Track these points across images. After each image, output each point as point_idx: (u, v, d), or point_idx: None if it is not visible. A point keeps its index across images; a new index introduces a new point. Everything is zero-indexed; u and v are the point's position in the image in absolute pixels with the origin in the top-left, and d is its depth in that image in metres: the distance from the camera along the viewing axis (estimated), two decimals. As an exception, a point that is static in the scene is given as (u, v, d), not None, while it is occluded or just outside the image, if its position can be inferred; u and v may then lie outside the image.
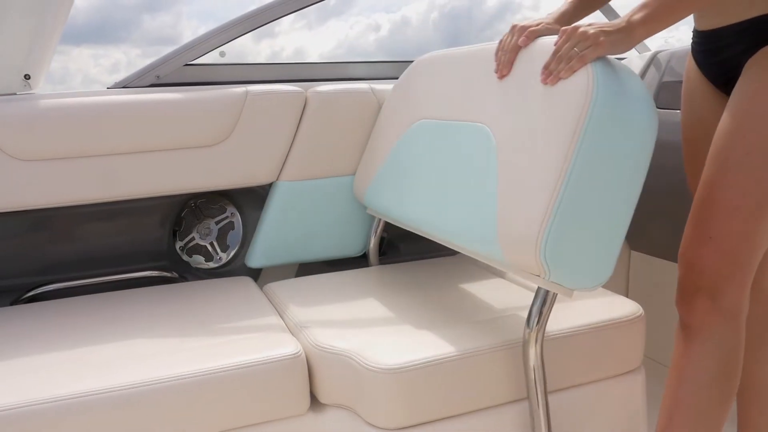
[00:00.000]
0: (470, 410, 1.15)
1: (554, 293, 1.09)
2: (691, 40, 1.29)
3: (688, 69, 1.32)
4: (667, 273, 1.91)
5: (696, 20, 1.25)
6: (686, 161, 1.34)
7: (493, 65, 1.21)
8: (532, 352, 1.10)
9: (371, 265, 1.73)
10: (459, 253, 1.77)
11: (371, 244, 1.75)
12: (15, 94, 1.50)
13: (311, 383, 1.20)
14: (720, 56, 1.20)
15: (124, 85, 1.62)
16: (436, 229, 1.31)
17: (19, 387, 1.06)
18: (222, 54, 1.70)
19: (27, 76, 1.50)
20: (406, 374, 1.08)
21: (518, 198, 1.06)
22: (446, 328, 1.22)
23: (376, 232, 1.74)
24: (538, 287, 1.09)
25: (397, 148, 1.53)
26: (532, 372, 1.10)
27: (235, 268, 1.78)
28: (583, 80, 1.01)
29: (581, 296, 1.34)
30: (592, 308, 1.28)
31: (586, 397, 1.24)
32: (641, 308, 1.29)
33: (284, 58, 2.01)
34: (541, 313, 1.09)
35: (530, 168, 1.05)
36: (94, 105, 1.51)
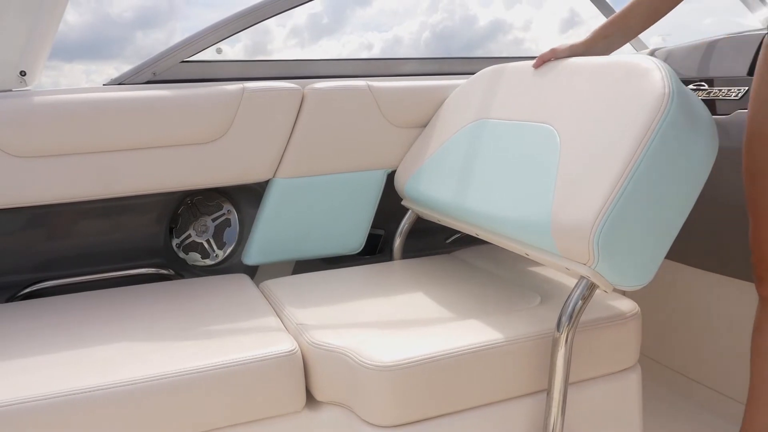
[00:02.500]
0: (467, 407, 1.15)
1: (594, 286, 1.11)
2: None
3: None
4: (662, 271, 1.91)
5: None
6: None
7: (561, 73, 1.30)
8: (564, 344, 1.11)
9: (395, 260, 1.76)
10: (455, 251, 1.77)
11: (397, 243, 1.77)
12: (11, 90, 1.50)
13: (307, 381, 1.20)
14: None
15: (120, 81, 1.62)
16: (481, 217, 1.34)
17: (17, 384, 1.06)
18: (218, 51, 1.70)
19: (23, 73, 1.50)
20: (402, 371, 1.08)
21: (577, 190, 1.10)
22: (443, 326, 1.22)
23: (403, 229, 1.76)
24: (581, 277, 1.12)
25: (449, 143, 1.59)
26: (561, 362, 1.12)
27: (232, 266, 1.77)
28: (658, 90, 1.07)
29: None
30: (588, 305, 1.29)
31: (581, 395, 1.24)
32: (637, 306, 1.30)
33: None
34: (578, 304, 1.11)
35: (593, 165, 1.10)
36: (90, 101, 1.50)
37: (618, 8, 1.98)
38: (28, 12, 1.45)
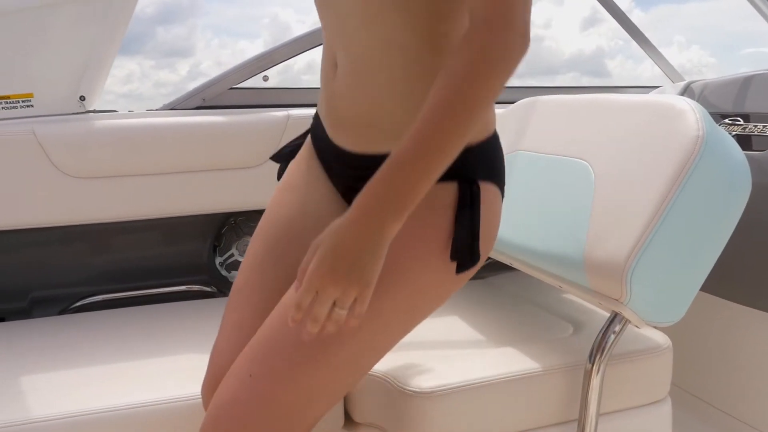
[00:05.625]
0: None
1: (626, 321, 1.14)
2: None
3: None
4: (695, 302, 1.92)
5: None
6: None
7: (596, 109, 1.31)
8: (596, 376, 1.15)
9: None
10: (488, 277, 1.81)
11: None
12: (70, 114, 1.59)
13: (346, 402, 1.24)
14: None
15: (172, 107, 1.69)
16: (514, 248, 1.38)
17: (68, 398, 1.13)
18: (265, 78, 1.77)
19: (82, 98, 1.58)
20: (439, 398, 1.12)
21: (611, 227, 1.13)
22: (478, 352, 1.26)
23: None
24: (613, 312, 1.15)
25: None
26: (593, 394, 1.15)
27: None
28: (692, 132, 1.09)
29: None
30: (620, 336, 1.31)
31: (612, 426, 1.26)
32: (669, 339, 1.32)
33: (296, 71, 2.06)
34: (610, 338, 1.15)
35: (627, 203, 1.13)
36: (144, 126, 1.58)
37: (632, 9, 1.98)
38: (88, 40, 1.54)
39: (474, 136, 0.88)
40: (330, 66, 0.93)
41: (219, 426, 0.83)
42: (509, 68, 0.73)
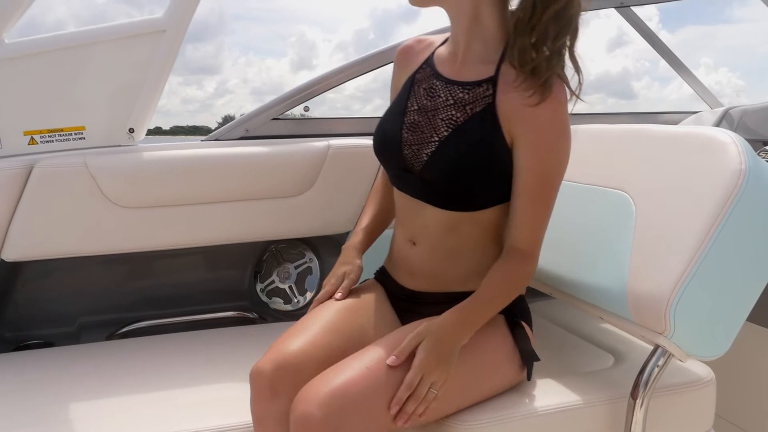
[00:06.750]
0: None
1: (670, 355, 1.14)
2: None
3: None
4: (740, 332, 1.89)
5: None
6: None
7: (635, 140, 1.31)
8: (639, 410, 1.15)
9: None
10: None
11: None
12: (119, 146, 1.64)
13: None
14: None
15: (216, 138, 1.74)
16: (554, 278, 1.39)
17: (114, 425, 1.17)
18: (306, 109, 1.81)
19: (131, 130, 1.64)
20: (479, 430, 1.12)
21: (653, 260, 1.14)
22: (521, 384, 1.26)
23: None
24: (656, 345, 1.15)
25: None
26: (636, 428, 1.15)
27: None
28: (734, 165, 1.09)
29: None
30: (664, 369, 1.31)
31: None
32: (711, 371, 1.31)
33: (336, 100, 2.10)
34: (654, 371, 1.14)
35: (669, 236, 1.13)
36: (189, 157, 1.63)
37: (659, 31, 1.99)
38: (138, 75, 1.60)
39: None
40: (406, 241, 1.23)
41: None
42: (525, 285, 1.21)
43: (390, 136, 1.20)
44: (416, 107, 1.19)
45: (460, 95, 1.15)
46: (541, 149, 1.11)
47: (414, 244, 1.22)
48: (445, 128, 1.14)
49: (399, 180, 1.22)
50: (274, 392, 1.03)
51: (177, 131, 3.05)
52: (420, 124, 1.17)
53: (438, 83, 1.19)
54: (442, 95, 1.17)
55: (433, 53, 1.24)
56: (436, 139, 1.14)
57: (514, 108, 1.10)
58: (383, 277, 1.32)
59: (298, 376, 1.03)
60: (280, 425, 1.02)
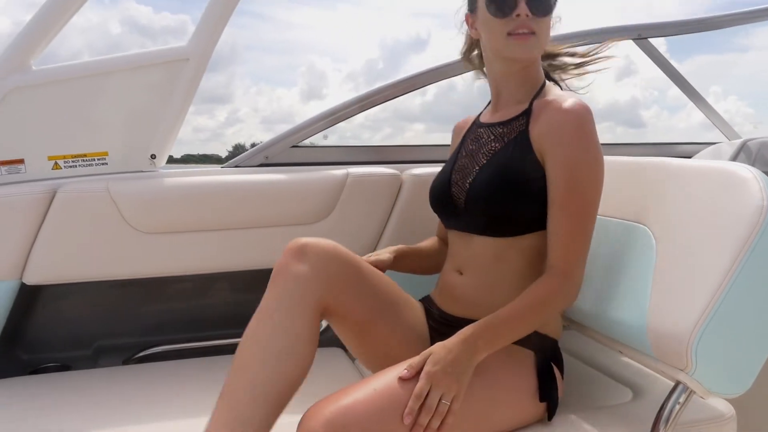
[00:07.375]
0: None
1: (691, 392, 1.13)
2: None
3: None
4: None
5: None
6: None
7: (655, 174, 1.32)
8: None
9: None
10: None
11: None
12: (141, 171, 1.66)
13: None
14: None
15: (236, 164, 1.76)
16: (573, 311, 1.38)
17: None
18: (325, 136, 1.84)
19: (153, 156, 1.66)
20: None
21: (675, 295, 1.13)
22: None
23: None
24: (677, 382, 1.14)
25: None
26: None
27: (328, 338, 1.86)
28: (756, 202, 1.08)
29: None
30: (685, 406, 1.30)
31: None
32: (732, 408, 1.30)
33: (354, 126, 2.13)
34: (675, 408, 1.13)
35: (690, 271, 1.12)
36: (210, 183, 1.65)
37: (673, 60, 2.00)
38: (160, 103, 1.62)
39: (551, 332, 1.27)
40: (453, 271, 1.31)
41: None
42: (562, 306, 1.20)
43: (441, 182, 1.33)
44: (464, 154, 1.34)
45: (499, 130, 1.29)
46: (569, 161, 1.18)
47: (461, 273, 1.29)
48: (485, 158, 1.27)
49: (449, 219, 1.33)
50: None
51: (188, 159, 3.08)
52: (466, 165, 1.30)
53: (482, 130, 1.34)
54: (484, 136, 1.32)
55: (479, 115, 1.42)
56: (477, 168, 1.27)
57: (543, 129, 1.21)
58: (427, 302, 1.38)
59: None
60: None
